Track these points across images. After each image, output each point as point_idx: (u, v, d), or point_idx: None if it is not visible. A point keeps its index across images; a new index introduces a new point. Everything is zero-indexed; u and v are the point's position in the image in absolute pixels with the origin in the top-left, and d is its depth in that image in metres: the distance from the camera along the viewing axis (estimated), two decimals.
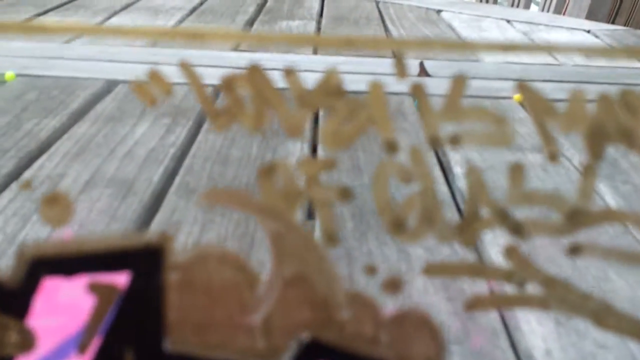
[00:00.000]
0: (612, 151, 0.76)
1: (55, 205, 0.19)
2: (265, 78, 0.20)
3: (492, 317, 0.43)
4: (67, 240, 0.19)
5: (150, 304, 0.20)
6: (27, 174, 0.57)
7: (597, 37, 1.32)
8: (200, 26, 1.23)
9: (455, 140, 0.20)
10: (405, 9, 1.52)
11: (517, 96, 0.89)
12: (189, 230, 0.50)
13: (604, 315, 0.20)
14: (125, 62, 0.93)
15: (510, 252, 0.20)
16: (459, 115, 0.20)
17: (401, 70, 0.20)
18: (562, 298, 0.20)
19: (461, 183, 0.63)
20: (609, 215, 0.20)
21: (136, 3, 1.39)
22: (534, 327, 0.42)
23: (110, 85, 0.83)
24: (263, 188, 0.20)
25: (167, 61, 0.96)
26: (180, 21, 1.25)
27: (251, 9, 1.40)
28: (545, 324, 0.42)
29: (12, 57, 0.92)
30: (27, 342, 0.19)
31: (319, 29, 1.27)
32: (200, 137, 0.69)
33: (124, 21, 1.24)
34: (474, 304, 0.20)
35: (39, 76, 0.84)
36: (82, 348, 0.19)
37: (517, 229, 0.20)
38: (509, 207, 0.20)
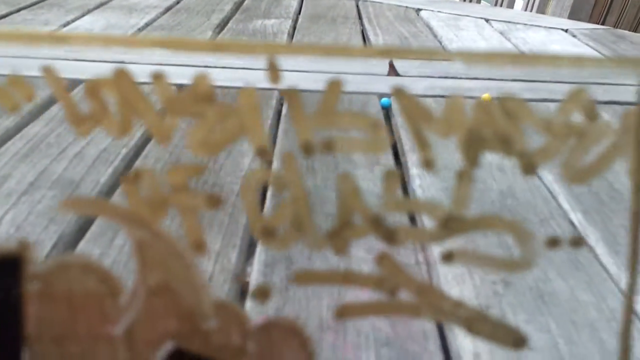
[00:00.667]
0: None
1: None
2: (132, 83, 0.19)
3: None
4: None
5: (8, 315, 0.19)
6: None
7: (574, 36, 1.32)
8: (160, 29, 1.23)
9: (328, 146, 0.19)
10: (384, 7, 1.51)
11: (485, 96, 0.89)
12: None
13: (476, 322, 0.20)
14: (89, 61, 0.92)
15: (382, 259, 0.20)
16: (333, 120, 0.19)
17: (274, 76, 0.19)
18: (434, 305, 0.20)
19: (417, 184, 0.63)
20: (483, 222, 0.20)
21: (111, 2, 1.38)
22: None
23: (71, 85, 0.82)
24: (128, 195, 0.20)
25: (134, 60, 0.96)
26: (154, 19, 1.25)
27: (228, 7, 1.39)
28: None
29: None
30: None
31: (294, 27, 1.27)
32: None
33: (97, 20, 1.23)
34: (343, 312, 0.20)
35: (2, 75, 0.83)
36: None
37: (390, 236, 0.20)
38: (383, 214, 0.20)
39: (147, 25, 1.19)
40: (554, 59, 0.19)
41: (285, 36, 1.16)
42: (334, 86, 0.19)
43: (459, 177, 0.20)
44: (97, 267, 0.19)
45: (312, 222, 0.20)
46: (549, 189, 0.63)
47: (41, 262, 0.19)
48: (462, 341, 0.41)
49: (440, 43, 1.21)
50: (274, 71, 0.19)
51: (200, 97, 0.19)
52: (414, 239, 0.20)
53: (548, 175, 0.66)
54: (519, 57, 0.19)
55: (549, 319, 0.44)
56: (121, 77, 0.19)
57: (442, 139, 0.19)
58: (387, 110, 0.84)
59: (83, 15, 1.25)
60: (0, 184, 0.54)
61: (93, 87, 0.20)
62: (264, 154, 0.20)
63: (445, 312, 0.20)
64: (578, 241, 0.20)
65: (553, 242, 0.20)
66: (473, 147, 0.19)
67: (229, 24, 1.25)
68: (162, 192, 0.20)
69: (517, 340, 0.19)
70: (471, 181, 0.20)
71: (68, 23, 1.19)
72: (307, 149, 0.19)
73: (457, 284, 0.47)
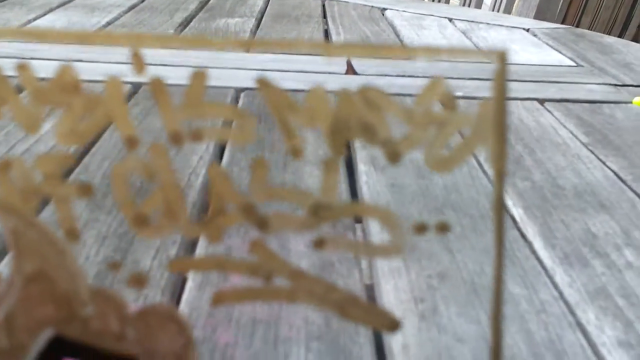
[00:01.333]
0: (520, 148, 0.77)
1: None
2: None
3: None
4: None
5: None
6: None
7: (535, 35, 1.34)
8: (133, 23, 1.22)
9: (196, 136, 0.20)
10: (350, 7, 1.52)
11: None
12: None
13: (348, 306, 0.20)
14: (46, 59, 0.92)
15: (255, 246, 0.20)
16: (200, 110, 0.20)
17: (139, 65, 0.20)
18: (308, 290, 0.20)
19: (363, 181, 0.64)
20: (350, 209, 0.20)
21: (74, 0, 1.37)
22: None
23: None
24: None
25: (89, 58, 0.95)
26: (117, 18, 1.24)
27: (192, 7, 1.39)
28: (409, 318, 0.43)
29: None
30: None
31: (257, 26, 1.27)
32: (105, 135, 0.68)
33: (59, 18, 1.22)
34: (220, 299, 0.20)
35: None
36: None
37: (262, 223, 0.20)
38: (255, 202, 0.20)
39: (108, 23, 1.19)
40: (409, 51, 0.19)
41: (247, 34, 1.16)
42: (199, 77, 0.20)
43: (325, 166, 0.20)
44: None
45: (184, 210, 0.20)
46: (493, 185, 0.64)
47: None
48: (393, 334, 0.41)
49: (402, 42, 1.22)
50: (138, 62, 0.20)
51: (65, 87, 0.20)
52: (286, 226, 0.21)
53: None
54: (376, 49, 0.19)
55: (480, 312, 0.45)
56: None
57: (308, 128, 0.20)
58: None
59: (45, 14, 1.24)
60: None
61: None
62: (132, 143, 0.20)
63: (319, 297, 0.20)
64: (444, 227, 0.21)
65: (420, 228, 0.20)
66: (338, 136, 0.20)
67: (192, 23, 1.25)
68: (32, 181, 0.20)
69: (390, 324, 0.20)
70: (338, 169, 0.20)
71: (29, 22, 1.18)
72: (176, 139, 0.20)
73: (393, 277, 0.48)
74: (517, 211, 0.60)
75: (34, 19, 1.20)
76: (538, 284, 0.48)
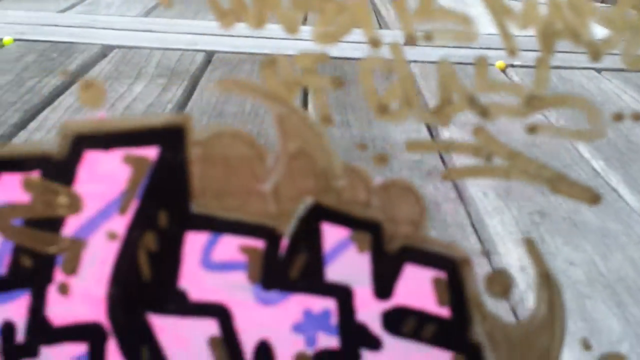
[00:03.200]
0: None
1: (91, 89, 0.23)
2: None
3: (472, 241, 0.47)
4: (103, 120, 0.23)
5: (177, 174, 0.23)
6: (32, 125, 0.60)
7: None
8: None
9: (428, 37, 0.23)
10: None
11: (499, 63, 0.93)
12: None
13: (558, 182, 0.24)
14: (119, 29, 0.96)
15: (478, 131, 0.24)
16: (431, 15, 0.23)
17: None
18: (522, 169, 0.24)
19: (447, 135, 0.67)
20: (559, 100, 0.24)
21: None
22: (510, 248, 0.46)
23: (105, 50, 0.85)
24: (266, 78, 0.24)
25: (160, 29, 0.98)
26: None
27: None
28: (520, 247, 0.47)
29: (8, 24, 0.94)
30: (75, 204, 0.23)
31: None
32: (195, 95, 0.72)
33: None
34: (450, 174, 0.24)
35: (36, 41, 0.87)
36: (122, 210, 0.23)
37: (483, 111, 0.24)
38: (477, 93, 0.24)
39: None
40: None
41: None
42: None
43: (537, 62, 0.24)
44: (246, 135, 0.23)
45: (419, 100, 0.24)
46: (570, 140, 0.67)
47: (199, 130, 0.23)
48: (507, 259, 0.45)
49: None
50: None
51: None
52: (504, 113, 0.24)
53: None
54: None
55: (584, 242, 0.48)
56: None
57: (521, 30, 0.24)
58: None
59: None
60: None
61: None
62: (375, 43, 0.24)
63: (532, 174, 0.24)
64: (638, 116, 0.24)
65: (618, 117, 0.24)
66: (548, 38, 0.23)
67: None
68: (294, 74, 0.24)
69: (592, 197, 0.24)
70: (548, 66, 0.24)
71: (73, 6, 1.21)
72: (410, 40, 0.23)
73: (498, 214, 0.52)
74: (597, 163, 0.63)
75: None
76: (631, 221, 0.52)
